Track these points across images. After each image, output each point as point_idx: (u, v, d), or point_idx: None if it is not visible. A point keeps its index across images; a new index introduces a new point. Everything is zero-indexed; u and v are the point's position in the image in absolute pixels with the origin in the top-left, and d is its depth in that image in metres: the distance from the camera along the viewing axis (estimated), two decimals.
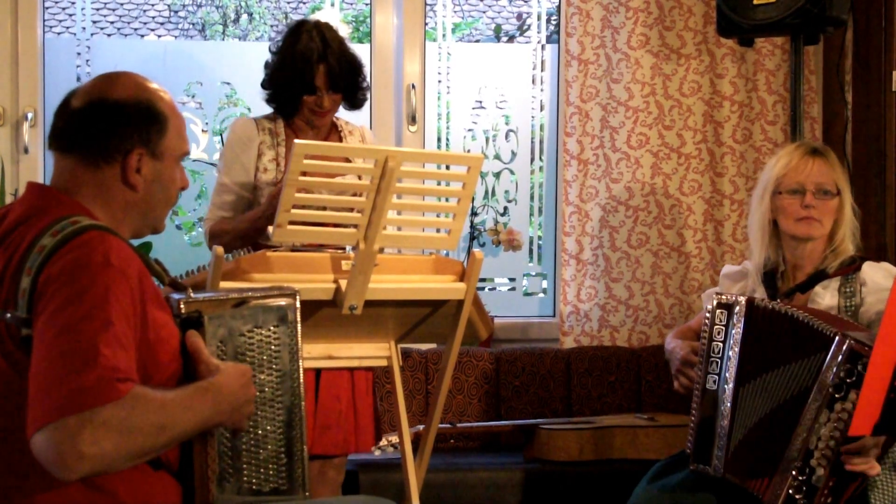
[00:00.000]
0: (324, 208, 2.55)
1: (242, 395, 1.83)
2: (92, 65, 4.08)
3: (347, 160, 2.61)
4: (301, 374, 1.97)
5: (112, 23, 6.36)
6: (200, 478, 1.85)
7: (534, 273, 4.28)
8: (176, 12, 6.29)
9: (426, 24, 4.11)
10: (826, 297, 2.62)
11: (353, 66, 3.01)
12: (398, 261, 2.63)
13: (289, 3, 6.14)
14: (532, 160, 4.28)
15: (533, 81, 4.27)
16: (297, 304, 1.98)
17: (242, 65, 4.15)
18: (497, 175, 4.26)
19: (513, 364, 3.83)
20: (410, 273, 2.63)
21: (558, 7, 4.13)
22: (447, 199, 3.30)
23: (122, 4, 6.36)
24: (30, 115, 3.86)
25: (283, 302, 1.96)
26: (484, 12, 6.60)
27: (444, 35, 4.21)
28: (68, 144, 1.86)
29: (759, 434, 2.41)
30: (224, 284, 2.39)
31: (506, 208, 4.26)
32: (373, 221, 2.47)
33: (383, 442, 3.12)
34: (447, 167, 3.38)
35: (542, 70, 4.26)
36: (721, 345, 2.50)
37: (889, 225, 3.84)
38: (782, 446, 2.34)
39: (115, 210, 1.87)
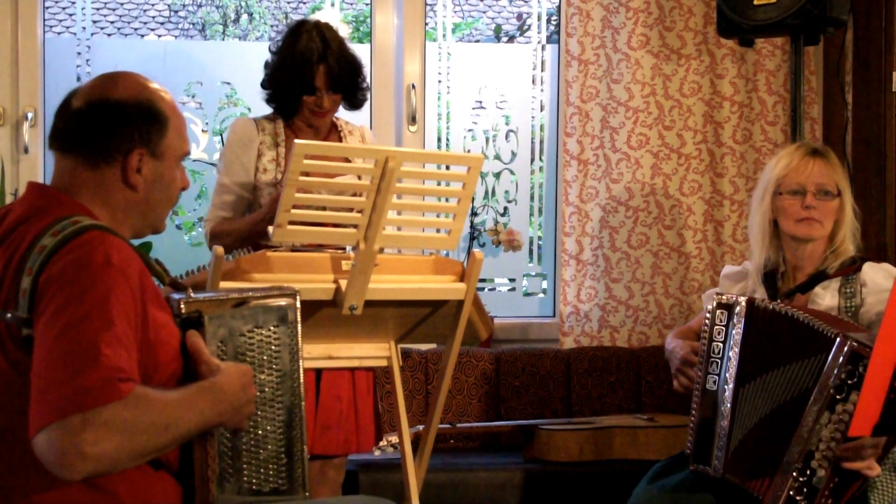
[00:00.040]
0: (323, 208, 2.55)
1: (243, 395, 1.83)
2: (92, 65, 4.08)
3: (347, 160, 2.61)
4: (301, 375, 1.97)
5: (112, 22, 6.36)
6: (200, 478, 1.85)
7: (534, 273, 4.28)
8: (176, 12, 6.29)
9: (426, 24, 4.11)
10: (826, 297, 2.62)
11: (353, 66, 3.01)
12: (398, 261, 2.63)
13: (289, 3, 6.14)
14: (532, 160, 4.28)
15: (533, 82, 4.28)
16: (298, 304, 1.98)
17: (242, 65, 4.15)
18: (497, 175, 4.26)
19: (513, 364, 3.83)
20: (410, 273, 2.63)
21: (558, 7, 4.13)
22: (447, 200, 3.30)
23: (122, 4, 6.36)
24: (30, 115, 3.86)
25: (283, 302, 1.96)
26: (484, 12, 6.60)
27: (444, 35, 4.21)
28: (69, 144, 1.86)
29: (759, 435, 2.41)
30: (224, 284, 2.39)
31: (506, 208, 4.26)
32: (373, 221, 2.47)
33: (383, 442, 3.12)
34: (447, 167, 3.38)
35: (542, 70, 4.26)
36: (721, 345, 2.50)
37: (889, 225, 3.85)
38: (782, 447, 2.34)
39: (116, 210, 1.87)
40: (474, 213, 4.23)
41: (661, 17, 3.96)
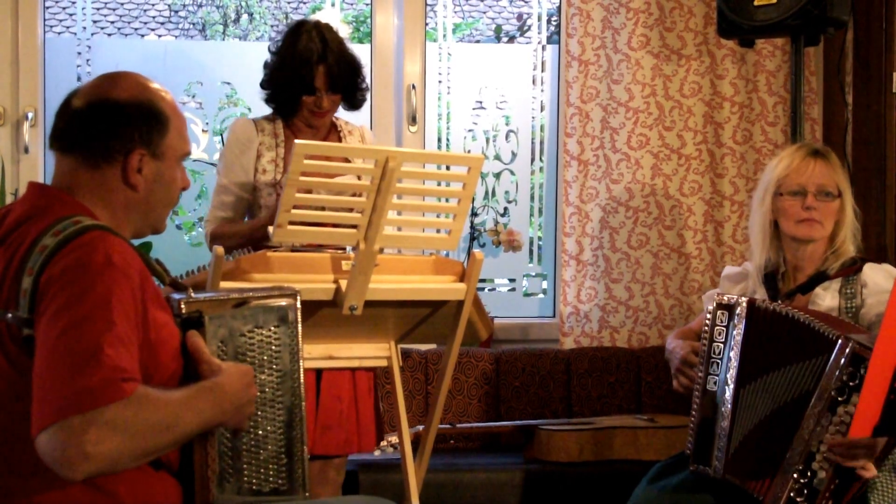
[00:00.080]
0: (323, 208, 2.55)
1: (244, 395, 1.83)
2: (92, 64, 4.08)
3: (346, 160, 2.60)
4: (301, 375, 1.97)
5: (112, 22, 6.36)
6: (201, 478, 1.85)
7: (534, 274, 4.28)
8: (176, 12, 6.29)
9: (427, 24, 4.11)
10: (827, 298, 2.62)
11: (353, 66, 3.01)
12: (398, 261, 2.63)
13: (289, 3, 6.14)
14: (532, 161, 4.28)
15: (533, 82, 4.28)
16: (298, 305, 1.98)
17: (243, 65, 4.15)
18: (497, 176, 4.26)
19: (513, 365, 3.83)
20: (410, 273, 2.63)
21: (559, 8, 4.13)
22: (447, 200, 3.30)
23: (122, 4, 6.35)
24: (30, 115, 3.86)
25: (283, 302, 1.96)
26: (484, 13, 6.59)
27: (444, 35, 4.21)
28: (69, 144, 1.86)
29: (759, 435, 2.41)
30: (224, 284, 2.39)
31: (506, 209, 4.26)
32: (373, 222, 2.47)
33: (383, 442, 3.12)
34: (447, 168, 3.38)
35: (542, 71, 4.26)
36: (722, 346, 2.50)
37: (889, 226, 3.85)
38: (783, 448, 2.34)
39: (116, 210, 1.87)
40: (474, 214, 4.23)
41: (662, 17, 3.96)
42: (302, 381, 1.97)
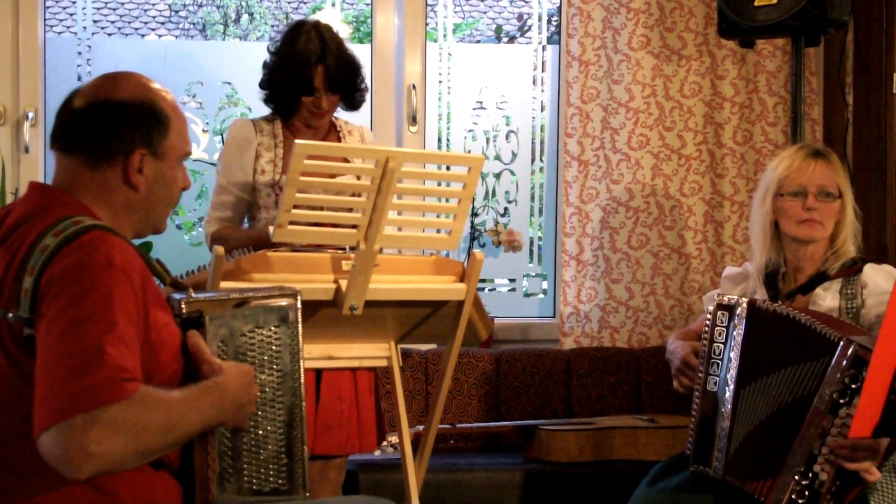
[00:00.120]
0: (322, 208, 2.55)
1: (245, 395, 1.84)
2: (93, 64, 4.08)
3: (346, 160, 2.60)
4: (302, 375, 1.97)
5: (113, 22, 6.36)
6: (201, 478, 1.85)
7: (534, 274, 4.28)
8: (177, 12, 6.29)
9: (427, 24, 4.11)
10: (827, 298, 2.62)
11: (352, 67, 3.00)
12: (398, 261, 2.63)
13: (290, 2, 6.14)
14: (532, 161, 4.28)
15: (533, 82, 4.28)
16: (299, 305, 1.98)
17: (243, 65, 4.15)
18: (497, 176, 4.26)
19: (513, 365, 3.83)
20: (411, 273, 2.63)
21: (559, 8, 4.13)
22: (447, 200, 3.30)
23: (122, 4, 6.35)
24: (30, 115, 3.86)
25: (284, 302, 1.96)
26: (485, 13, 6.59)
27: (444, 35, 4.21)
28: (70, 144, 1.86)
29: (759, 436, 2.41)
30: (224, 284, 2.39)
31: (506, 209, 4.26)
32: (373, 222, 2.47)
33: (383, 442, 3.11)
34: (448, 168, 3.38)
35: (542, 71, 4.26)
36: (722, 346, 2.50)
37: (889, 226, 3.85)
38: (784, 450, 2.34)
39: (117, 210, 1.87)
40: (475, 214, 4.23)
41: (662, 18, 3.97)
42: (302, 381, 1.97)
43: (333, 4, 4.29)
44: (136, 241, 1.93)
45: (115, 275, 1.69)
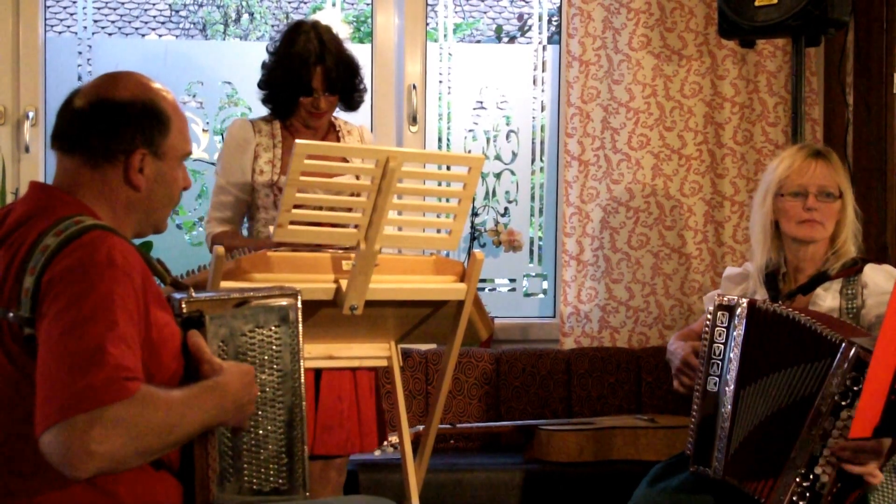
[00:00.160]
0: (322, 208, 2.55)
1: (245, 395, 1.84)
2: (93, 64, 4.08)
3: (346, 160, 2.60)
4: (302, 375, 1.97)
5: (113, 22, 6.36)
6: (201, 478, 1.85)
7: (534, 274, 4.28)
8: (177, 12, 6.29)
9: (427, 24, 4.11)
10: (827, 299, 2.62)
11: (350, 67, 3.00)
12: (399, 261, 2.63)
13: (290, 2, 6.14)
14: (533, 161, 4.28)
15: (534, 82, 4.28)
16: (299, 305, 1.98)
17: (243, 64, 4.15)
18: (498, 176, 4.26)
19: (513, 365, 3.83)
20: (411, 273, 2.63)
21: (559, 8, 4.13)
22: (448, 200, 3.30)
23: (123, 4, 6.36)
24: (31, 115, 3.86)
25: (284, 302, 1.96)
26: (485, 13, 6.59)
27: (445, 35, 4.21)
28: (71, 144, 1.86)
29: (759, 437, 2.41)
30: (225, 284, 2.40)
31: (506, 209, 4.26)
32: (373, 222, 2.47)
33: (384, 442, 3.11)
34: (448, 168, 3.38)
35: (543, 71, 4.26)
36: (722, 346, 2.50)
37: (890, 227, 3.85)
38: (784, 450, 2.33)
39: (118, 210, 1.87)
40: (475, 214, 4.23)
41: (662, 18, 3.97)
42: (303, 380, 1.97)
43: (334, 4, 4.28)
44: (137, 241, 1.93)
45: (116, 274, 1.70)
